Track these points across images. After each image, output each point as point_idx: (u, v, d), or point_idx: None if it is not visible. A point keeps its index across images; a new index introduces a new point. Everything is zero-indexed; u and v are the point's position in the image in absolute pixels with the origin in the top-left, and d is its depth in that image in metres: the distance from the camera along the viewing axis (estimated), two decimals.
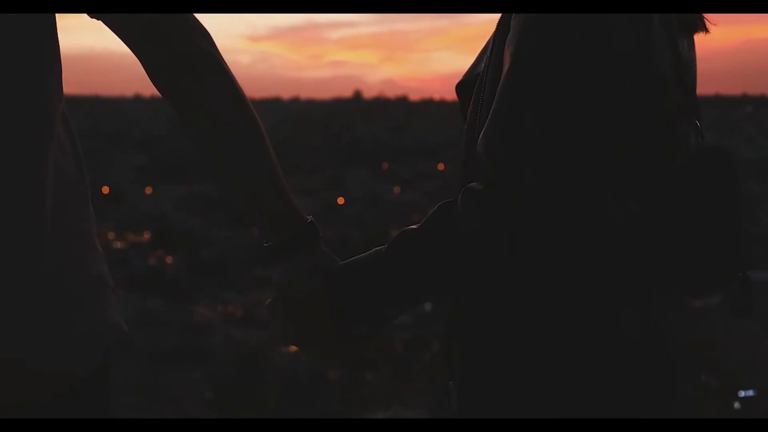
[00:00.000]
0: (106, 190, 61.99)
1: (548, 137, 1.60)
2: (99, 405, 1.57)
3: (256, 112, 1.60)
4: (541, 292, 1.68)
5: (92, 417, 1.55)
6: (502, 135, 1.57)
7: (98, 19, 1.57)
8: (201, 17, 1.66)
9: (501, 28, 1.71)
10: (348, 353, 1.77)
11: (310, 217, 1.63)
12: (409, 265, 1.66)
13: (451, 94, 1.78)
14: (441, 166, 71.11)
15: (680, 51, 1.66)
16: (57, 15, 1.52)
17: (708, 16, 1.76)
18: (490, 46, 1.74)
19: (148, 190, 71.95)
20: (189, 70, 1.57)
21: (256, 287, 44.75)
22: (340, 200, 65.72)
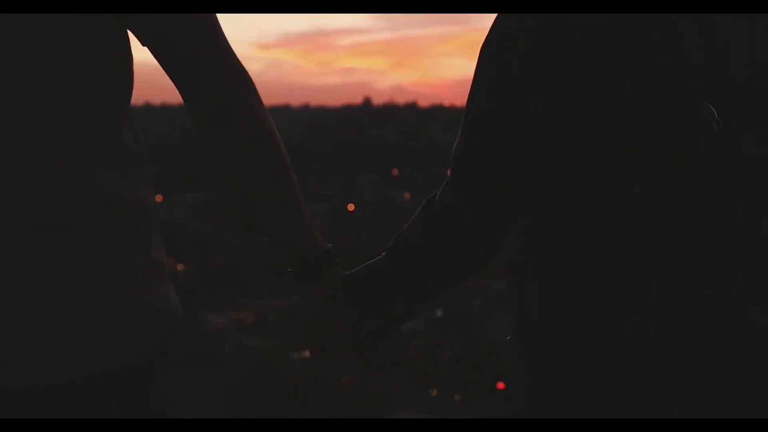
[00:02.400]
0: None
1: (538, 138, 1.67)
2: (154, 384, 1.70)
3: (285, 152, 1.72)
4: (542, 286, 1.71)
5: (149, 394, 1.68)
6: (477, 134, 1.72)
7: (146, 46, 1.67)
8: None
9: None
10: (366, 352, 1.89)
11: (328, 247, 1.80)
12: (404, 259, 1.79)
13: (460, 100, 1.81)
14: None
15: (695, 46, 1.65)
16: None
17: None
18: None
19: (159, 198, 72.20)
20: (221, 120, 1.69)
21: (268, 294, 44.80)
22: (350, 206, 65.72)
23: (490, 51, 1.71)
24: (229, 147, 1.72)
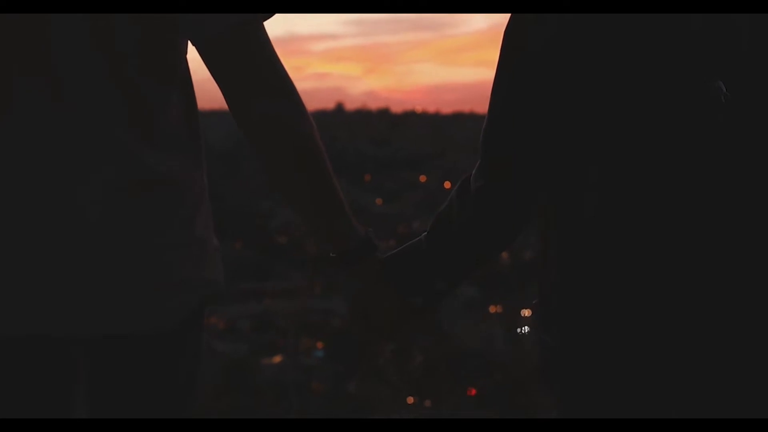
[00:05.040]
0: None
1: (537, 133, 1.77)
2: (189, 348, 1.94)
3: (328, 160, 1.93)
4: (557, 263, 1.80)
5: (183, 357, 1.93)
6: (499, 125, 1.83)
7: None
8: None
9: None
10: (409, 327, 2.01)
11: (367, 231, 1.99)
12: (442, 237, 1.89)
13: (433, 106, 1.85)
14: (423, 178, 71.04)
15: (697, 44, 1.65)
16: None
17: None
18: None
19: None
20: (268, 138, 1.89)
21: (238, 300, 44.62)
22: None
23: (511, 41, 1.76)
24: (277, 163, 1.90)
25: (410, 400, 32.94)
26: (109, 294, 1.79)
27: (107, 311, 1.80)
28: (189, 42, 1.86)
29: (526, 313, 43.25)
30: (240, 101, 1.86)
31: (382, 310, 1.97)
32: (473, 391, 33.57)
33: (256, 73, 1.84)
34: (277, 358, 39.71)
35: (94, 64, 1.75)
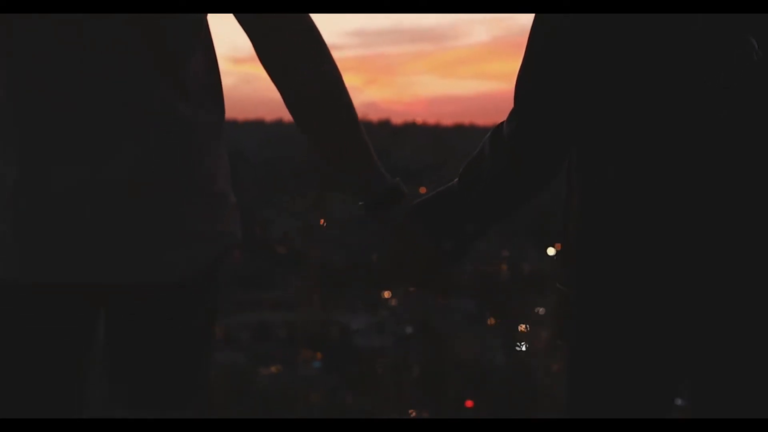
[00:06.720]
0: None
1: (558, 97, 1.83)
2: (207, 296, 2.00)
3: (354, 110, 2.01)
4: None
5: (205, 300, 2.00)
6: (533, 87, 1.87)
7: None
8: None
9: None
10: (440, 271, 2.02)
11: (396, 180, 2.05)
12: (474, 181, 1.92)
13: (433, 118, 1.87)
14: (423, 190, 71.12)
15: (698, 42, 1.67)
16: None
17: None
18: None
19: None
20: (295, 83, 2.01)
21: (237, 310, 44.60)
22: (322, 221, 65.57)
23: (529, 39, 1.79)
24: (314, 112, 1.99)
25: (412, 413, 32.93)
26: (132, 243, 1.84)
27: (129, 260, 1.84)
28: None
29: (522, 328, 43.21)
30: (267, 56, 2.00)
31: (413, 254, 1.99)
32: (471, 403, 33.53)
33: (284, 45, 1.97)
34: (276, 369, 39.65)
35: (130, 32, 1.81)
